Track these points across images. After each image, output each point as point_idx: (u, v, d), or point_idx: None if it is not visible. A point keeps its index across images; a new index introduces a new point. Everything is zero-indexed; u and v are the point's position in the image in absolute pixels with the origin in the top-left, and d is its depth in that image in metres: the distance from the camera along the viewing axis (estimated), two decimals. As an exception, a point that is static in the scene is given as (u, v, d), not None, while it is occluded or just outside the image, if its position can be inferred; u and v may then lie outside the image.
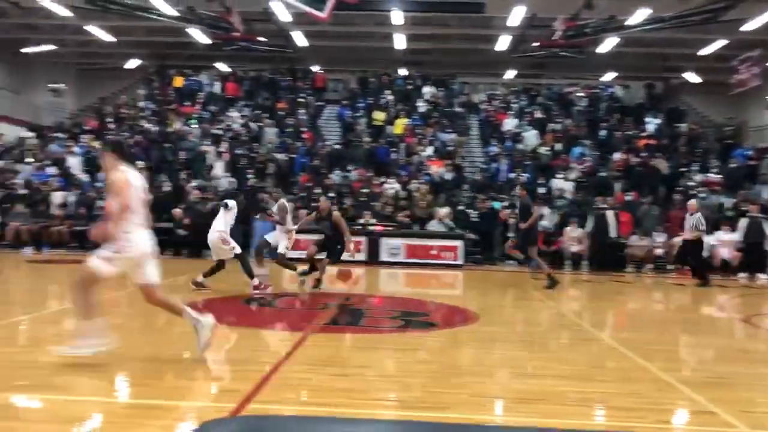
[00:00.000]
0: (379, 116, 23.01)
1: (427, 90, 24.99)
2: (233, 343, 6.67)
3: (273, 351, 6.01)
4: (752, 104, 23.58)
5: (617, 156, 20.12)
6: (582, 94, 24.96)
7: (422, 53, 25.41)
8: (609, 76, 26.02)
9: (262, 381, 4.88)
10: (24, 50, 26.14)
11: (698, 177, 19.02)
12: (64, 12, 20.59)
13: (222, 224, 10.23)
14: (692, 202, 13.81)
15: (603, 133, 22.34)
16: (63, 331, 6.66)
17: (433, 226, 17.14)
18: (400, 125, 22.64)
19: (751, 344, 8.04)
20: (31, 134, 24.41)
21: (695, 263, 13.81)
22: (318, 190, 18.57)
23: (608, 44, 20.95)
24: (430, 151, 21.03)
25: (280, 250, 11.06)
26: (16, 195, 18.10)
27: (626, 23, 18.82)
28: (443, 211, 17.32)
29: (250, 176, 19.22)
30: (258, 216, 16.06)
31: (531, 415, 4.40)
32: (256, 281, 10.11)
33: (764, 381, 5.86)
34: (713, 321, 10.18)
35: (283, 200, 11.43)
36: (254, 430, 1.13)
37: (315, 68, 26.81)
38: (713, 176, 18.89)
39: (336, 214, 11.20)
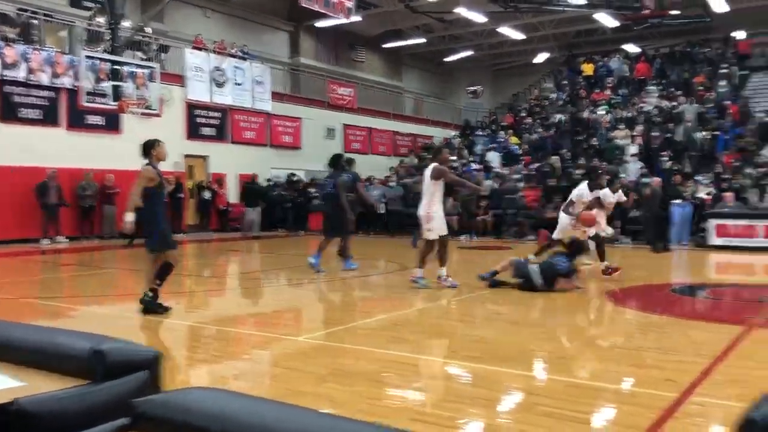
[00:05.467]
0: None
1: None
2: (663, 332, 6.42)
3: (707, 343, 5.58)
4: None
5: None
6: None
7: None
8: None
9: (704, 373, 4.59)
10: (447, 59, 29.30)
11: None
12: (479, 18, 22.40)
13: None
14: None
15: None
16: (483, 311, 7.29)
17: None
18: None
19: None
20: (454, 134, 27.21)
21: None
22: (749, 170, 16.66)
23: None
24: None
25: None
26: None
27: None
28: None
29: (664, 159, 18.17)
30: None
31: None
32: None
33: None
34: None
35: None
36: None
37: (737, 34, 24.01)
38: None
39: None
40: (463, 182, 10.61)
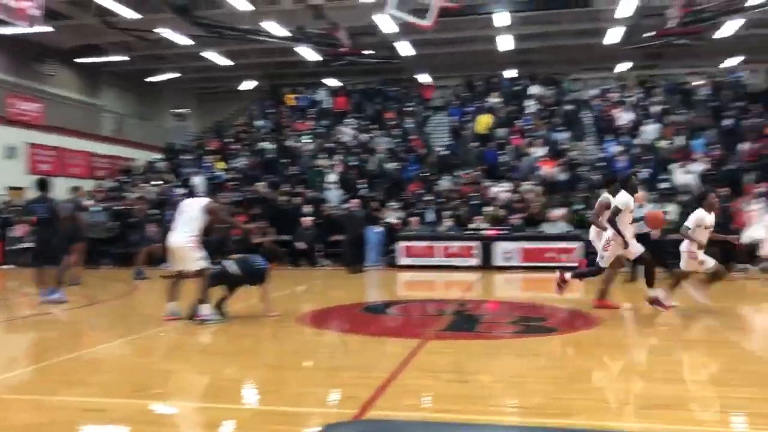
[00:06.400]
0: (484, 120, 22.76)
1: (536, 89, 24.55)
2: (351, 350, 6.84)
3: (391, 358, 6.07)
4: None
5: (746, 146, 18.79)
6: (702, 83, 23.61)
7: (529, 53, 24.98)
8: (732, 62, 24.43)
9: (381, 387, 4.96)
10: (150, 79, 28.09)
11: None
12: (184, 41, 21.92)
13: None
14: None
15: (728, 122, 20.95)
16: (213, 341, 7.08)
17: (547, 228, 16.73)
18: (483, 123, 22.44)
19: None
20: (159, 157, 26.14)
21: None
22: (429, 197, 18.69)
23: (730, 28, 19.67)
24: (541, 151, 20.57)
25: None
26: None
27: (748, 4, 17.61)
28: (558, 212, 16.88)
29: (361, 186, 19.56)
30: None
31: (662, 421, 4.19)
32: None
33: None
34: None
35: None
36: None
37: (421, 77, 27.01)
38: None
39: None
40: (230, 221, 10.44)
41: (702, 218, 8.67)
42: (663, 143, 19.91)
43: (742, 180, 17.05)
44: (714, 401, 4.66)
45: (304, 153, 22.66)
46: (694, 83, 23.89)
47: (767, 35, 22.06)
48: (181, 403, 4.74)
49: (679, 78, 24.85)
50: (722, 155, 18.64)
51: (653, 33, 20.23)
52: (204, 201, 8.56)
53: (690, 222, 8.78)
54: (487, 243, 16.33)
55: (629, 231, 8.86)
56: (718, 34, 20.18)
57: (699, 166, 17.92)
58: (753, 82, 24.17)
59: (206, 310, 8.07)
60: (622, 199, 8.76)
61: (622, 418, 4.44)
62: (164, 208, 18.64)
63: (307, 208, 17.98)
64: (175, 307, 8.26)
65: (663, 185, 17.32)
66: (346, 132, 23.89)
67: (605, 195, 9.18)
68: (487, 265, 16.04)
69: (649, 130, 20.87)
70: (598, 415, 4.34)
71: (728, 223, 13.89)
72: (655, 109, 22.41)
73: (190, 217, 8.31)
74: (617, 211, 8.64)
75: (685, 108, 22.45)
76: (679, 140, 19.94)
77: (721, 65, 24.81)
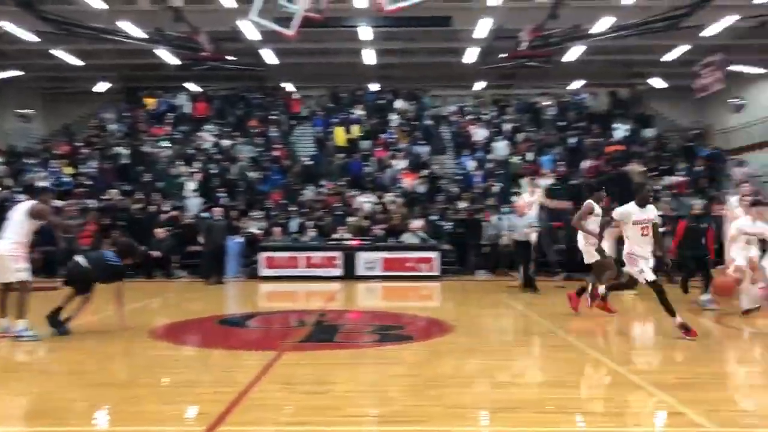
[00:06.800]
0: (341, 132, 23.04)
1: (399, 104, 25.19)
2: (205, 365, 6.63)
3: (247, 371, 5.93)
4: (717, 107, 24.20)
5: (587, 163, 20.37)
6: (550, 103, 25.36)
7: (392, 68, 25.57)
8: (576, 85, 26.41)
9: (234, 402, 4.85)
10: (-11, 76, 25.84)
11: (665, 180, 19.43)
12: (30, 37, 20.38)
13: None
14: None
15: (572, 140, 22.63)
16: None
17: (407, 238, 17.17)
18: (340, 135, 22.81)
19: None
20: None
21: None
22: (293, 208, 18.59)
23: (574, 53, 21.24)
24: (403, 164, 21.12)
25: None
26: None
27: (591, 32, 19.12)
28: (417, 223, 17.38)
29: (221, 195, 19.08)
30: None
31: (510, 424, 4.42)
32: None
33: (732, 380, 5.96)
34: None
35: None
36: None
37: (286, 85, 26.84)
38: (679, 179, 19.33)
39: None
40: (63, 224, 9.91)
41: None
42: (514, 159, 21.13)
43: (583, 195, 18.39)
44: (559, 403, 4.96)
45: (160, 159, 21.78)
46: (542, 103, 25.58)
47: (606, 61, 24.07)
48: (13, 429, 4.36)
49: (529, 98, 26.50)
50: (567, 171, 20.06)
51: (506, 54, 21.39)
52: (28, 204, 7.98)
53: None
54: (350, 253, 16.48)
55: (639, 248, 7.81)
56: (565, 59, 21.73)
57: (546, 181, 19.14)
58: (594, 104, 26.29)
59: (22, 325, 7.50)
60: (623, 210, 7.88)
61: (475, 422, 4.63)
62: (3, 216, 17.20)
63: (164, 217, 17.28)
64: (7, 322, 7.62)
65: (514, 198, 18.33)
66: (207, 138, 23.23)
67: (589, 201, 9.55)
68: (349, 275, 16.18)
69: (502, 147, 22.07)
70: (453, 421, 4.49)
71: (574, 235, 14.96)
72: (507, 126, 23.75)
73: (14, 223, 7.74)
74: (609, 221, 8.13)
75: (534, 126, 24.00)
76: (529, 156, 21.25)
77: (567, 87, 26.73)
